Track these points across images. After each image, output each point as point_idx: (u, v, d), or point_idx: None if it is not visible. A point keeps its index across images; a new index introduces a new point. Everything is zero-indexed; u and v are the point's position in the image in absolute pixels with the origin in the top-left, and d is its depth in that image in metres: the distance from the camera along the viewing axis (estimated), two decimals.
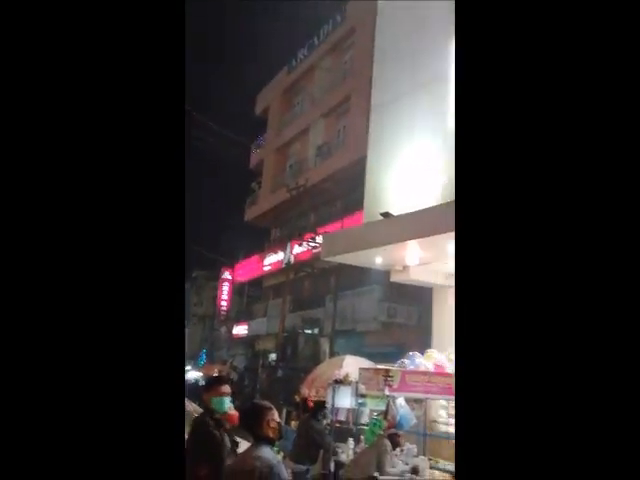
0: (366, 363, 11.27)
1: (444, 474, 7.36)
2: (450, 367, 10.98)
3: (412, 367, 8.36)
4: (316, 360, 21.56)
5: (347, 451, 8.40)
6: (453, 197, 12.32)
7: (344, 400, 9.08)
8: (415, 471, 6.98)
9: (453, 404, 9.93)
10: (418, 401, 8.46)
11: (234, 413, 4.85)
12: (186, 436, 4.36)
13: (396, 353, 10.20)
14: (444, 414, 10.65)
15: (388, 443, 7.19)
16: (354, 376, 9.00)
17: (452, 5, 13.67)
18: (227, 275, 39.66)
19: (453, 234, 11.13)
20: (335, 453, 8.19)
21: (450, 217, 11.31)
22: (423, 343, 13.24)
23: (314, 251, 22.41)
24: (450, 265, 13.91)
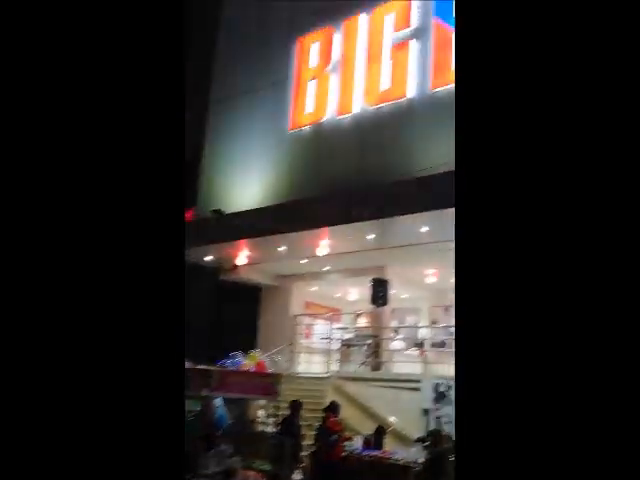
0: (186, 363, 10.96)
1: (258, 474, 7.38)
2: (271, 367, 11.06)
3: (233, 367, 8.28)
4: None
5: None
6: (285, 199, 12.33)
7: None
8: (229, 474, 6.90)
9: (272, 404, 10.05)
10: (237, 401, 8.40)
11: None
12: None
13: (221, 353, 10.06)
14: (262, 414, 10.72)
15: (202, 444, 7.03)
16: None
17: (293, 15, 13.79)
18: None
19: (282, 235, 11.12)
20: None
21: (281, 218, 11.31)
22: (248, 343, 13.26)
23: None
24: (279, 265, 14.17)
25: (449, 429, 9.06)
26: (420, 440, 7.92)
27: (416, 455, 7.71)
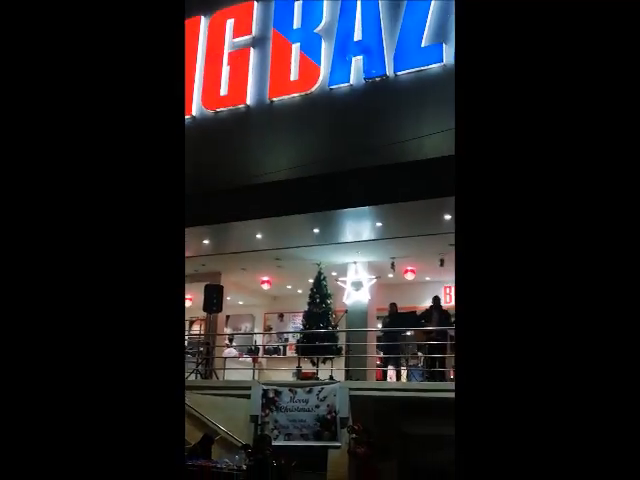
0: None
1: None
2: None
3: None
4: None
5: None
6: None
7: None
8: None
9: None
10: None
11: None
12: None
13: None
14: None
15: None
16: None
17: None
18: None
19: None
20: None
21: None
22: None
23: None
24: None
25: (275, 435, 9.19)
26: (244, 447, 7.92)
27: (240, 462, 7.69)
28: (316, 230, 10.83)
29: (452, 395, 9.99)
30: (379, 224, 10.34)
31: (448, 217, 9.79)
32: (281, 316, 15.14)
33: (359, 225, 10.70)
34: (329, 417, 9.54)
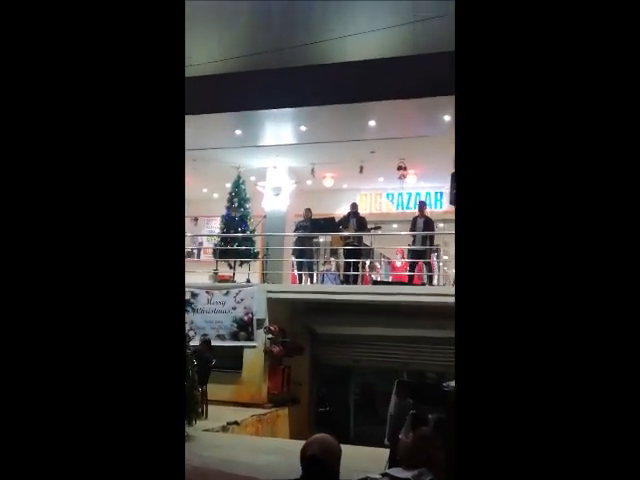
0: None
1: None
2: None
3: None
4: None
5: None
6: None
7: None
8: None
9: None
10: None
11: None
12: None
13: None
14: None
15: None
16: None
17: None
18: None
19: None
20: None
21: None
22: None
23: None
24: None
25: (191, 336, 9.17)
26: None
27: None
28: (238, 131, 10.48)
29: (363, 298, 10.45)
30: (303, 128, 10.14)
31: (372, 123, 9.76)
32: (195, 220, 14.87)
33: (282, 128, 10.46)
34: (246, 318, 9.69)
